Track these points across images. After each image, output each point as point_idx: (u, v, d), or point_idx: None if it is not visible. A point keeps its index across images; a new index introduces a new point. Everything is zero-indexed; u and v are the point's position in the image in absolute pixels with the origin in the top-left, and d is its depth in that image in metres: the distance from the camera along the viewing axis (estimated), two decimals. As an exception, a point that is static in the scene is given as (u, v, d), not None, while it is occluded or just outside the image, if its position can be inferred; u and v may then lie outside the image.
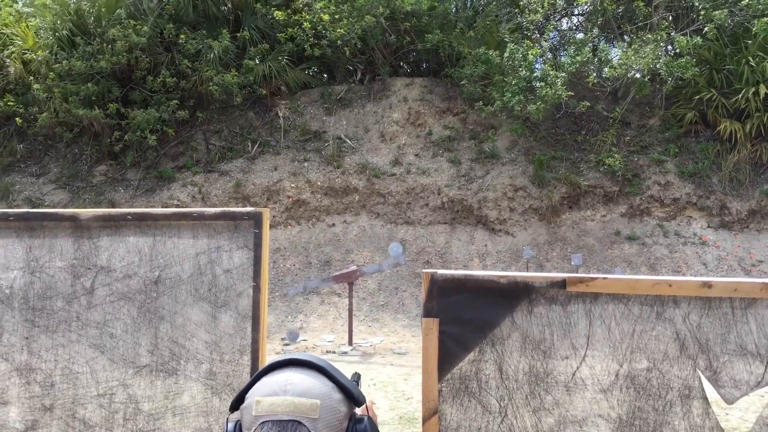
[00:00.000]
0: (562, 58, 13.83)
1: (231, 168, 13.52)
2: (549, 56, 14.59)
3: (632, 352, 1.90)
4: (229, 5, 15.13)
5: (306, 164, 13.48)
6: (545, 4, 13.52)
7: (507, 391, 1.94)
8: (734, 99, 12.79)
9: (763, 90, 12.47)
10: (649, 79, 12.92)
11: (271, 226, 9.79)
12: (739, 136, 12.76)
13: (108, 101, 13.32)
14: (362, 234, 12.76)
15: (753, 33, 12.58)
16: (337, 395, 1.36)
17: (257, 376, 1.39)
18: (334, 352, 9.19)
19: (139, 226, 2.32)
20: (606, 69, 13.39)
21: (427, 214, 12.99)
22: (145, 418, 2.27)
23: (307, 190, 13.19)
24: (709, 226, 12.51)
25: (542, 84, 12.37)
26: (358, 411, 1.45)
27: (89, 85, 13.10)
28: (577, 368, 1.92)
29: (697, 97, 13.04)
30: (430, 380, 1.95)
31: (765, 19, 12.17)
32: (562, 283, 1.91)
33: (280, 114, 14.32)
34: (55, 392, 2.30)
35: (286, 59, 14.22)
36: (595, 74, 13.72)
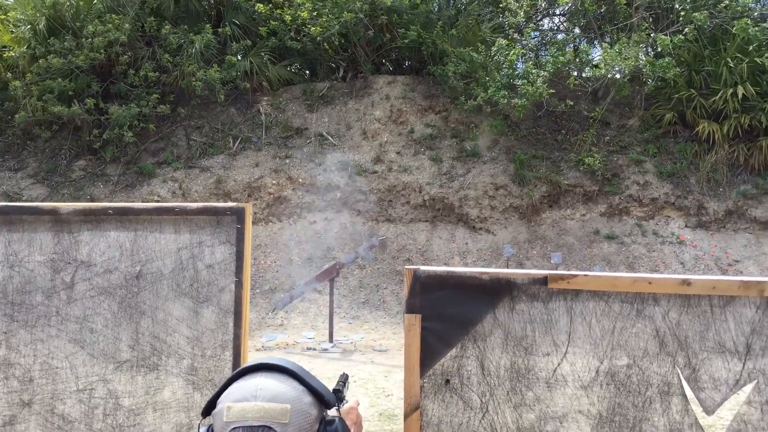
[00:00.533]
0: (544, 58, 13.90)
1: (212, 164, 13.43)
2: (531, 56, 14.66)
3: (612, 349, 1.92)
4: (211, 0, 15.03)
5: (287, 161, 13.43)
6: (525, 5, 13.56)
7: (488, 387, 1.95)
8: (712, 100, 12.91)
9: (741, 91, 12.59)
10: (628, 80, 13.02)
11: (252, 223, 9.75)
12: (716, 137, 12.89)
13: (86, 96, 13.15)
14: (343, 231, 12.74)
15: (732, 34, 12.72)
16: (308, 398, 1.37)
17: (228, 381, 1.40)
18: (314, 349, 9.17)
19: (121, 220, 2.30)
20: (587, 69, 13.48)
21: (409, 212, 13.00)
22: (125, 414, 2.25)
23: (289, 187, 13.14)
24: (686, 226, 12.65)
25: (524, 81, 12.43)
26: (332, 413, 1.46)
27: (65, 81, 12.90)
28: (558, 365, 1.93)
29: (676, 96, 13.15)
30: (412, 376, 1.95)
31: (744, 20, 12.32)
32: (544, 280, 1.93)
33: (262, 110, 14.25)
34: (33, 387, 2.28)
35: (268, 55, 14.16)
36: (576, 74, 13.81)
